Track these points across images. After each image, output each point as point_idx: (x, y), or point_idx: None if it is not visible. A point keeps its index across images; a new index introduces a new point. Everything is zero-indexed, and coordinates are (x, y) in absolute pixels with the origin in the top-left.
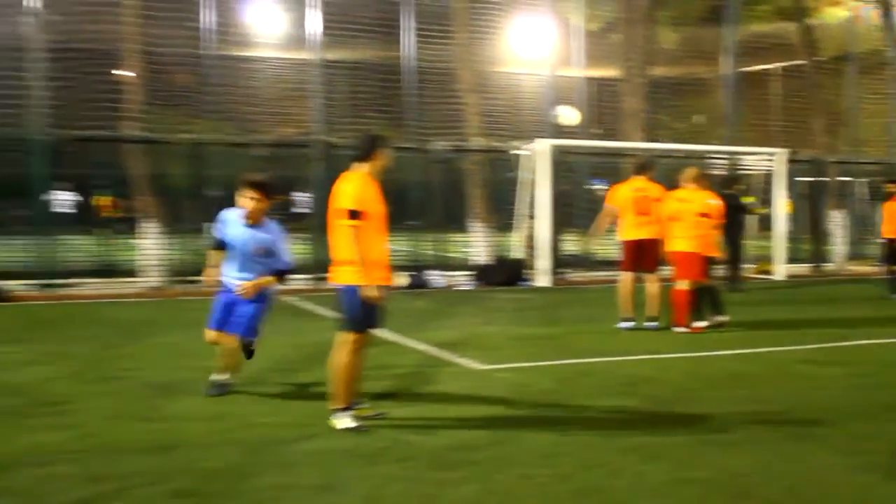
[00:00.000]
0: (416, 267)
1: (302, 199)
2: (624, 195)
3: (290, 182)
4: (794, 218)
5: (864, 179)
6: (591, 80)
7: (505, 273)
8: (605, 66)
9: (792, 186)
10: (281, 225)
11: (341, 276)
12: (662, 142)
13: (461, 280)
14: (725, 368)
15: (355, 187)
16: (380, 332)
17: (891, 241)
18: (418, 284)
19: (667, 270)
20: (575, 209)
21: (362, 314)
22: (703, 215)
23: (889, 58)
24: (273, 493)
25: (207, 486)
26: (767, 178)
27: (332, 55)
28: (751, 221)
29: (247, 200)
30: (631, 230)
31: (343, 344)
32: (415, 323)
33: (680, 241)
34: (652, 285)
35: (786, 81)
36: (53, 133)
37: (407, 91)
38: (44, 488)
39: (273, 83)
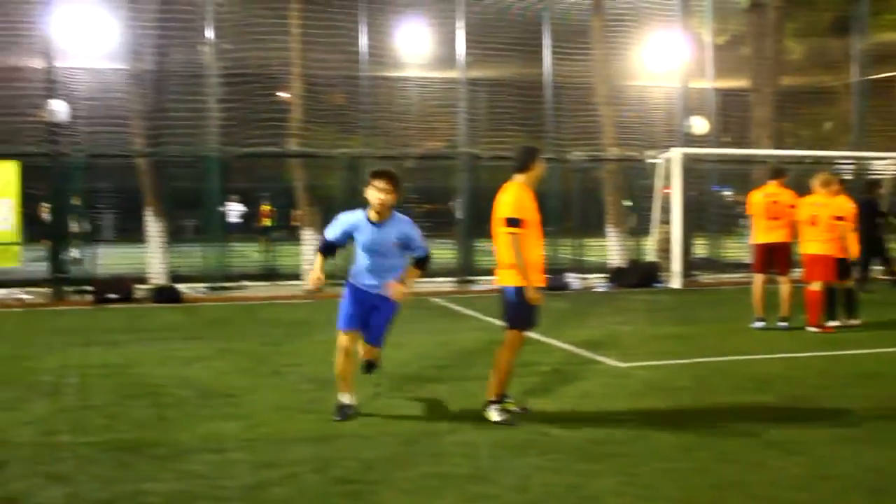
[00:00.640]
0: (555, 270)
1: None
2: (756, 201)
3: (446, 192)
4: None
5: None
6: (719, 90)
7: (639, 275)
8: (734, 77)
9: None
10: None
11: (504, 279)
12: (790, 149)
13: (597, 282)
14: (858, 367)
15: (514, 197)
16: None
17: None
18: (558, 286)
19: (798, 272)
20: (705, 214)
21: (524, 314)
22: (838, 218)
23: None
24: (427, 482)
25: (366, 474)
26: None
27: (475, 73)
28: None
29: (378, 193)
30: (762, 234)
31: (510, 341)
32: (555, 323)
33: (814, 244)
34: (784, 287)
35: None
36: (225, 150)
37: (546, 105)
38: (219, 473)
39: (421, 100)
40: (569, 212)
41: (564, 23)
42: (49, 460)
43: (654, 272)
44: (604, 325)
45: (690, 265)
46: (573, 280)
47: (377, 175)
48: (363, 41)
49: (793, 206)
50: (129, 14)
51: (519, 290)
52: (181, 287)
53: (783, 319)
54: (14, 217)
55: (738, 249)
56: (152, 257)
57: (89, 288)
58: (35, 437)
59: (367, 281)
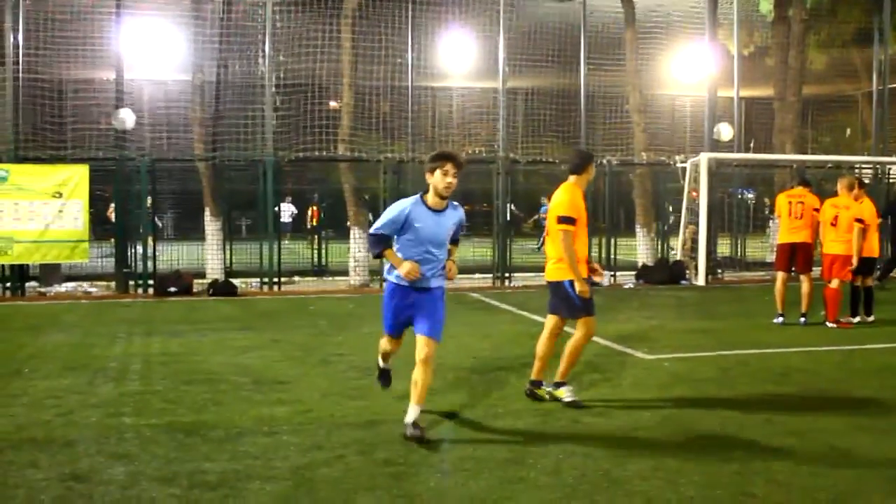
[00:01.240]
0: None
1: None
2: (781, 203)
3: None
4: None
5: None
6: (745, 99)
7: (666, 273)
8: (759, 86)
9: None
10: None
11: (556, 273)
12: (812, 154)
13: (626, 279)
14: (875, 361)
15: (569, 196)
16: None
17: None
18: (589, 283)
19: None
20: (729, 215)
21: (581, 303)
22: (859, 220)
23: None
24: (465, 465)
25: (408, 456)
26: None
27: (513, 83)
28: None
29: (446, 177)
30: (785, 234)
31: (586, 329)
32: None
33: (836, 245)
34: (805, 284)
35: None
36: (278, 155)
37: (580, 112)
38: (272, 454)
39: (462, 108)
40: (600, 212)
41: (600, 34)
42: (114, 440)
43: (680, 270)
44: (632, 320)
45: (715, 264)
46: (603, 277)
47: (444, 158)
48: (409, 53)
49: (816, 210)
50: (192, 29)
51: (569, 283)
52: (236, 281)
53: (803, 315)
54: (83, 216)
55: (760, 249)
56: (210, 254)
57: (151, 282)
58: (101, 418)
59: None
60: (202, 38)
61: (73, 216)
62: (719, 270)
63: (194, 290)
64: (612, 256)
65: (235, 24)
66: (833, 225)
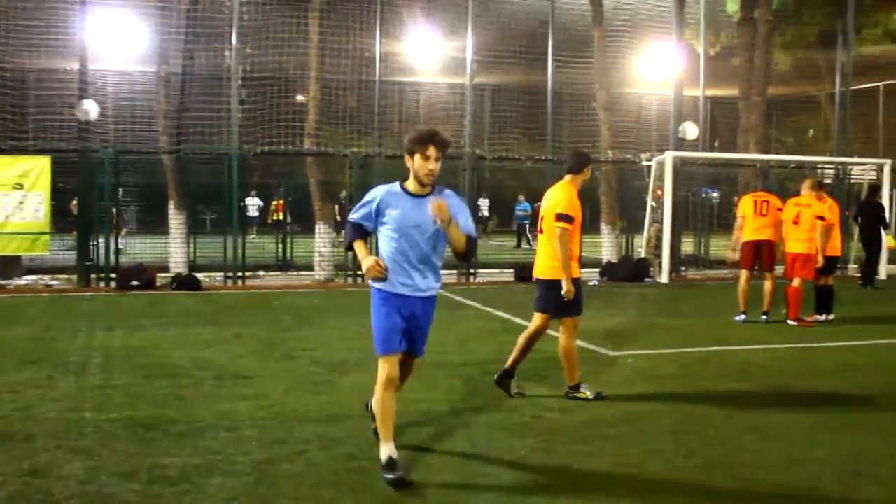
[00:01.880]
0: None
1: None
2: (746, 203)
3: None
4: None
5: None
6: (710, 98)
7: (630, 270)
8: (724, 86)
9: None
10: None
11: (551, 272)
12: (775, 154)
13: (591, 276)
14: (834, 358)
15: (567, 195)
16: (521, 321)
17: None
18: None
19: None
20: (693, 213)
21: (572, 302)
22: (820, 218)
23: None
24: (428, 460)
25: (371, 452)
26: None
27: (480, 79)
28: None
29: (427, 163)
30: (750, 233)
31: (570, 328)
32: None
33: (798, 243)
34: (767, 283)
35: (892, 98)
36: (244, 148)
37: (547, 109)
38: (234, 449)
39: (429, 103)
40: None
41: (568, 31)
42: (73, 435)
43: (644, 268)
44: (596, 317)
45: (678, 261)
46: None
47: (425, 140)
48: (377, 48)
49: (780, 209)
50: (158, 19)
51: (574, 281)
52: (200, 276)
53: (764, 313)
54: (45, 208)
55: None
56: (174, 248)
57: (113, 276)
58: (61, 413)
59: (405, 280)
60: (168, 28)
61: (34, 208)
62: (683, 268)
63: (157, 283)
64: (578, 253)
65: (202, 15)
66: (795, 223)
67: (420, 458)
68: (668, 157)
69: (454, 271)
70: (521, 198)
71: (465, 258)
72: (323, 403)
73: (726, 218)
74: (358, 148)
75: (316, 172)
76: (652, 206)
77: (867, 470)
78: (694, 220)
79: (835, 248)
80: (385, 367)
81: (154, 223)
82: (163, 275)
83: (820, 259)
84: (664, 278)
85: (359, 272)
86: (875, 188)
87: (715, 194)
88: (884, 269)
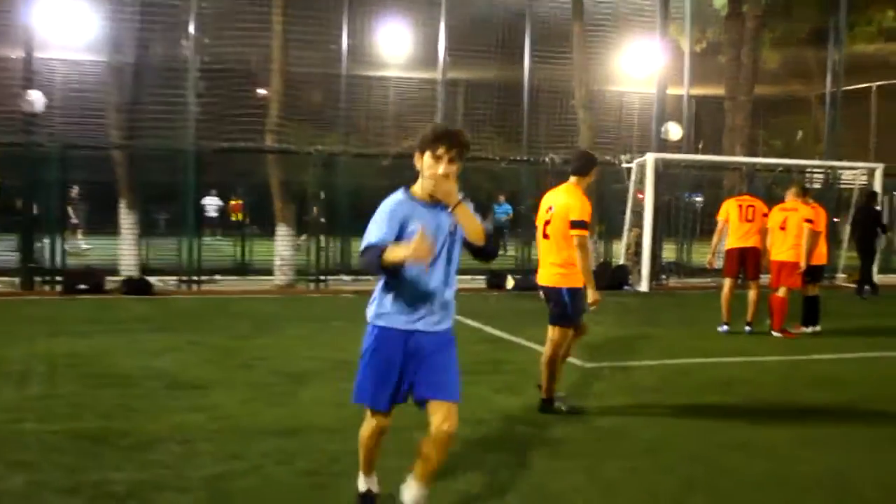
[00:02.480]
0: (526, 271)
1: None
2: (731, 207)
3: None
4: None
5: None
6: (695, 97)
7: (608, 277)
8: (710, 85)
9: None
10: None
11: (556, 279)
12: (762, 157)
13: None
14: (820, 371)
15: (581, 200)
16: (493, 331)
17: None
18: (526, 287)
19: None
20: (675, 218)
21: (576, 313)
22: (808, 221)
23: None
24: (392, 476)
25: (332, 466)
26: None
27: (454, 74)
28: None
29: (438, 164)
30: (735, 240)
31: (557, 339)
32: (524, 322)
33: (784, 251)
34: (752, 292)
35: (883, 99)
36: (201, 144)
37: (523, 107)
38: (183, 464)
39: (399, 100)
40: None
41: (546, 26)
42: (14, 448)
43: (623, 275)
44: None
45: (659, 269)
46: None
47: (438, 138)
48: (344, 40)
49: (765, 215)
50: (110, 6)
51: (574, 291)
52: (153, 279)
53: (748, 324)
54: None
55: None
56: (124, 249)
57: (59, 279)
58: (0, 424)
59: (411, 314)
60: (121, 15)
61: None
62: (663, 276)
63: (106, 287)
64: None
65: (157, 1)
66: (782, 229)
67: (386, 473)
68: (650, 158)
69: None
70: (502, 199)
71: (486, 253)
72: (281, 416)
73: (710, 223)
74: (322, 146)
75: (277, 171)
76: (632, 211)
77: (853, 488)
78: (676, 225)
79: (821, 255)
80: (372, 418)
81: (104, 223)
82: (112, 278)
83: (803, 264)
84: (644, 286)
85: (322, 278)
86: (871, 195)
87: (699, 199)
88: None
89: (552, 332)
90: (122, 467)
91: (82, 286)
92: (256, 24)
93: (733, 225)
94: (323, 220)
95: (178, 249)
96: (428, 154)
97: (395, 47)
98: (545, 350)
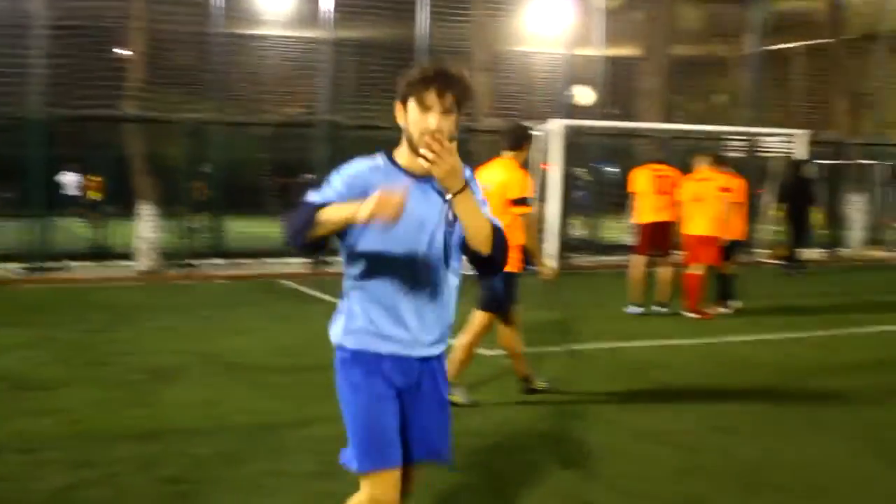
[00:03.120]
0: None
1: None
2: (643, 178)
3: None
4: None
5: (888, 163)
6: (608, 59)
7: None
8: (625, 45)
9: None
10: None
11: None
12: (680, 122)
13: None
14: (735, 354)
15: (519, 176)
16: None
17: None
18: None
19: (679, 255)
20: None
21: (506, 297)
22: (725, 190)
23: None
24: (264, 480)
25: (197, 473)
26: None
27: (341, 33)
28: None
29: (428, 115)
30: (650, 213)
31: (478, 326)
32: None
33: (699, 224)
34: (664, 270)
35: (810, 61)
36: (50, 112)
37: None
38: (30, 474)
39: (279, 62)
40: None
41: None
42: None
43: (526, 254)
44: (468, 311)
45: (566, 246)
46: None
47: (427, 80)
48: None
49: (676, 185)
50: None
51: (508, 276)
52: None
53: (661, 304)
54: None
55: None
56: None
57: None
58: None
59: (394, 328)
60: None
61: None
62: (571, 254)
63: None
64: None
65: None
66: (697, 201)
67: (258, 478)
68: (555, 125)
69: (303, 260)
70: None
71: (493, 265)
72: (140, 417)
73: (622, 197)
74: (193, 113)
75: (139, 143)
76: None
77: (767, 478)
78: (586, 199)
79: (740, 230)
80: (375, 489)
81: None
82: None
83: (721, 236)
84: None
85: (191, 262)
86: (800, 164)
87: (611, 169)
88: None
89: (478, 317)
90: None
91: None
92: None
93: (647, 197)
94: (206, 197)
95: (23, 232)
96: (413, 103)
97: (275, 3)
98: (464, 335)
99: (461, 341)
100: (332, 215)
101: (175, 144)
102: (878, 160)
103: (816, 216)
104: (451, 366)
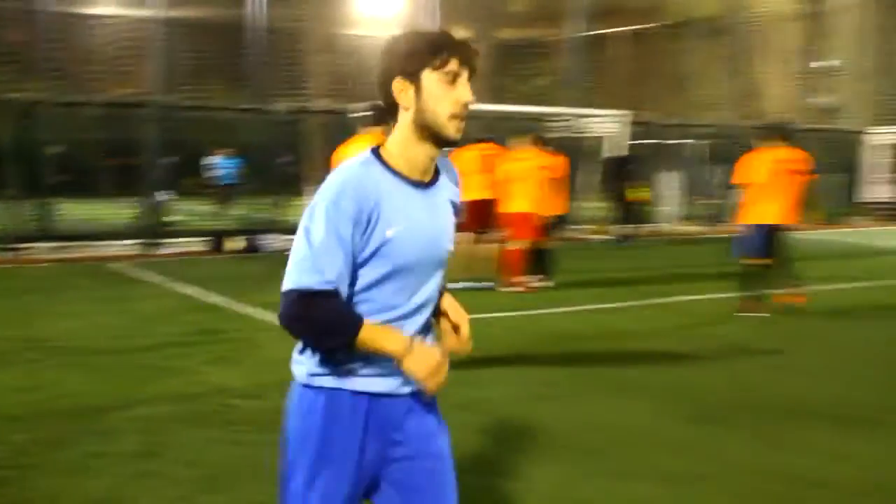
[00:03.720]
0: (249, 231)
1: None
2: (472, 157)
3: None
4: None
5: (703, 142)
6: None
7: None
8: (456, 28)
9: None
10: None
11: None
12: (508, 104)
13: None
14: (553, 326)
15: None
16: (212, 298)
17: None
18: (253, 248)
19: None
20: None
21: None
22: (544, 168)
23: (727, 24)
24: (88, 462)
25: (17, 459)
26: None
27: (174, 12)
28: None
29: (452, 89)
30: (476, 191)
31: None
32: (245, 287)
33: (518, 202)
34: (487, 246)
35: (631, 45)
36: None
37: (251, 51)
38: None
39: (111, 41)
40: (271, 167)
41: None
42: None
43: None
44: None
45: None
46: (269, 241)
47: (445, 47)
48: None
49: (498, 163)
50: None
51: None
52: None
53: (483, 279)
54: None
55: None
56: None
57: None
58: None
59: (382, 363)
60: None
61: None
62: None
63: None
64: (285, 218)
65: None
66: (516, 180)
67: (79, 461)
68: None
69: (131, 241)
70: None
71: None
72: None
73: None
74: (18, 94)
75: None
76: None
77: (578, 440)
78: None
79: (560, 207)
80: None
81: None
82: None
83: (542, 213)
84: None
85: (16, 246)
86: (620, 143)
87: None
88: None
89: None
90: None
91: None
92: None
93: (472, 175)
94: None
95: None
96: (433, 75)
97: None
98: None
99: None
100: (376, 341)
101: (3, 125)
102: (692, 140)
103: (641, 193)
104: None
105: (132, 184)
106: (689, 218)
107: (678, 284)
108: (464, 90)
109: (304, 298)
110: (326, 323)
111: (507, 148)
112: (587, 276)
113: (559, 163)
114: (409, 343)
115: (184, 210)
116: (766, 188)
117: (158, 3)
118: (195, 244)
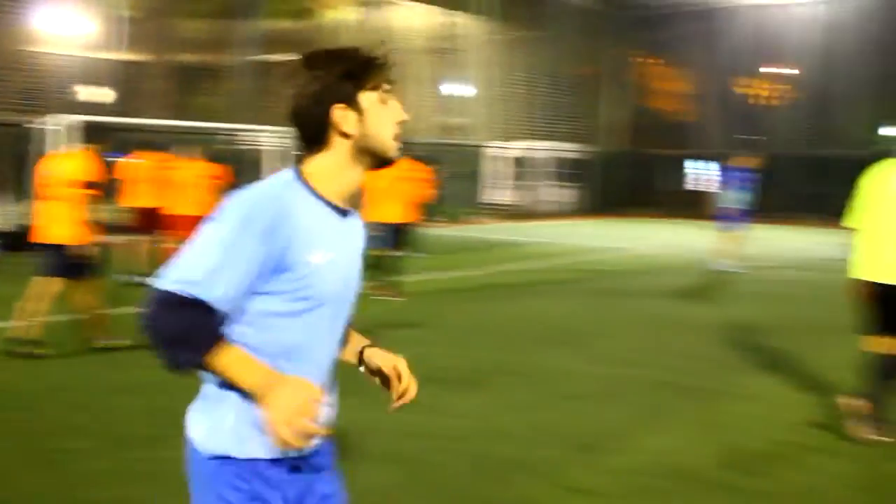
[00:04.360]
0: None
1: None
2: (143, 166)
3: None
4: None
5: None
6: (124, 62)
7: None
8: (139, 50)
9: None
10: None
11: (72, 237)
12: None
13: None
14: None
15: (90, 162)
16: None
17: None
18: None
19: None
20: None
21: (88, 264)
22: (211, 177)
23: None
24: None
25: None
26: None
27: None
28: None
29: (393, 101)
30: (141, 198)
31: (95, 288)
32: None
33: (182, 205)
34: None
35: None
36: None
37: None
38: None
39: None
40: None
41: None
42: None
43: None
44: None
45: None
46: None
47: (379, 65)
48: None
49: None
50: None
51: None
52: None
53: (141, 274)
54: None
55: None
56: None
57: None
58: None
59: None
60: None
61: None
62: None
63: None
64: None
65: None
66: (178, 186)
67: None
68: (70, 120)
69: None
70: None
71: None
72: None
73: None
74: None
75: None
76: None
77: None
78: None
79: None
80: None
81: None
82: None
83: (205, 214)
84: None
85: None
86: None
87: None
88: None
89: (56, 283)
90: None
91: None
92: None
93: (138, 183)
94: None
95: None
96: (372, 96)
97: None
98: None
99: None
100: (242, 375)
101: None
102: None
103: None
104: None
105: None
106: None
107: None
108: (397, 108)
109: (168, 297)
110: (183, 331)
111: (177, 157)
112: None
113: (220, 170)
114: (276, 378)
115: None
116: (387, 192)
117: None
118: None
